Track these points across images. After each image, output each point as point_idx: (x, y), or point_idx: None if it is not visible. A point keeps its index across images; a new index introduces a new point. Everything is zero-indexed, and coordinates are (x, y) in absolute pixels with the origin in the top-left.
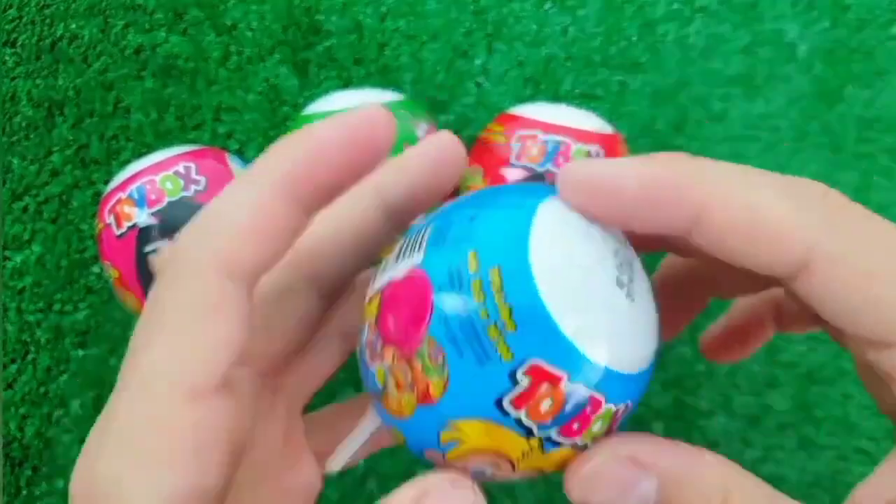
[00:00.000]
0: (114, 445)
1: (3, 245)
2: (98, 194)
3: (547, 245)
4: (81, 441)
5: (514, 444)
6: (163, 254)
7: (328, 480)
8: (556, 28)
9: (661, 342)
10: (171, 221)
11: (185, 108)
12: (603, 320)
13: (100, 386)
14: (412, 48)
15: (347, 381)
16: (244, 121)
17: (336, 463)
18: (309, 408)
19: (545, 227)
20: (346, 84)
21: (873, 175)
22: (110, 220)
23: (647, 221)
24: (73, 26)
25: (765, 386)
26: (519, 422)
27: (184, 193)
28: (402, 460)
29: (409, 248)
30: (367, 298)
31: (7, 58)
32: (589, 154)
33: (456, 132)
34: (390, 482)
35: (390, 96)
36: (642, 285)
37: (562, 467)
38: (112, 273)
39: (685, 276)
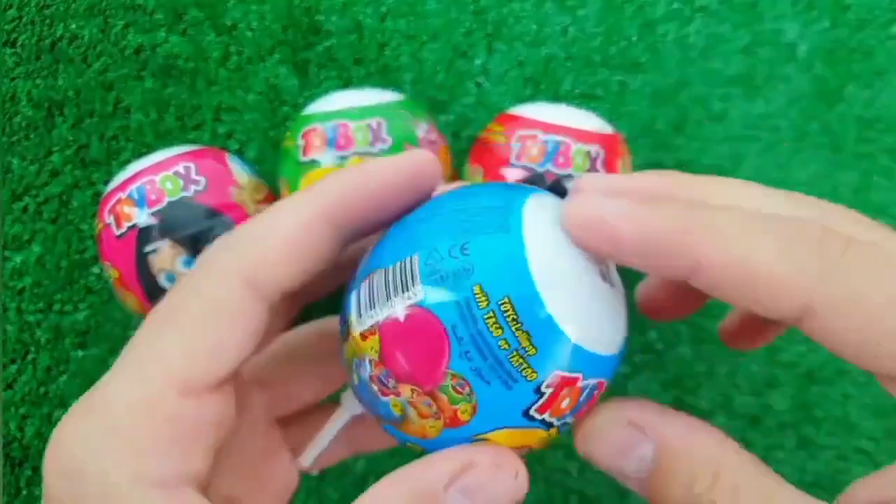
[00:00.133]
0: (99, 428)
1: (3, 245)
2: (98, 194)
3: (546, 265)
4: None
5: (536, 436)
6: (171, 255)
7: (328, 481)
8: (556, 28)
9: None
10: (171, 221)
11: (185, 108)
12: (601, 318)
13: None
14: (412, 48)
15: None
16: (244, 121)
17: (306, 459)
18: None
19: (538, 247)
20: (346, 84)
21: (873, 175)
22: (110, 220)
23: (645, 266)
24: (73, 26)
25: (765, 386)
26: (542, 421)
27: (184, 193)
28: (402, 461)
29: (397, 283)
30: (357, 333)
31: (7, 58)
32: (589, 154)
33: (456, 132)
34: None
35: (390, 96)
36: (612, 266)
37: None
38: (112, 273)
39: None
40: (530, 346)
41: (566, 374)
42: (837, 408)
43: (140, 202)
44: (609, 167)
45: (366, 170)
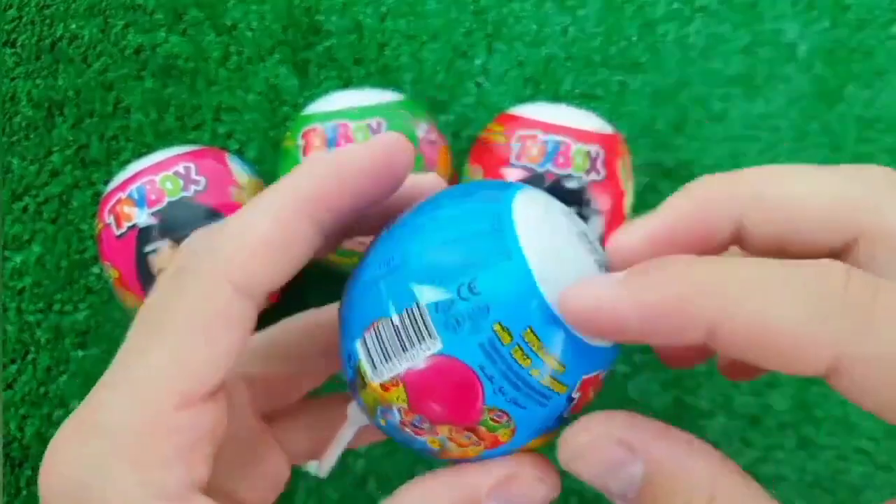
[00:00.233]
0: (101, 449)
1: (3, 245)
2: (98, 194)
3: (557, 285)
4: None
5: (560, 432)
6: (171, 255)
7: (328, 481)
8: (556, 28)
9: None
10: (171, 221)
11: (185, 108)
12: None
13: None
14: (412, 48)
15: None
16: (244, 121)
17: (323, 471)
18: None
19: (545, 267)
20: (346, 84)
21: None
22: (110, 220)
23: (660, 343)
24: (73, 26)
25: (765, 386)
26: (571, 419)
27: (184, 193)
28: (402, 461)
29: (410, 335)
30: (375, 384)
31: (7, 58)
32: (589, 154)
33: (456, 132)
34: (390, 482)
35: (390, 96)
36: (599, 248)
37: None
38: (112, 273)
39: None
40: (559, 366)
41: (591, 374)
42: (837, 408)
43: (140, 202)
44: (609, 167)
45: (337, 159)
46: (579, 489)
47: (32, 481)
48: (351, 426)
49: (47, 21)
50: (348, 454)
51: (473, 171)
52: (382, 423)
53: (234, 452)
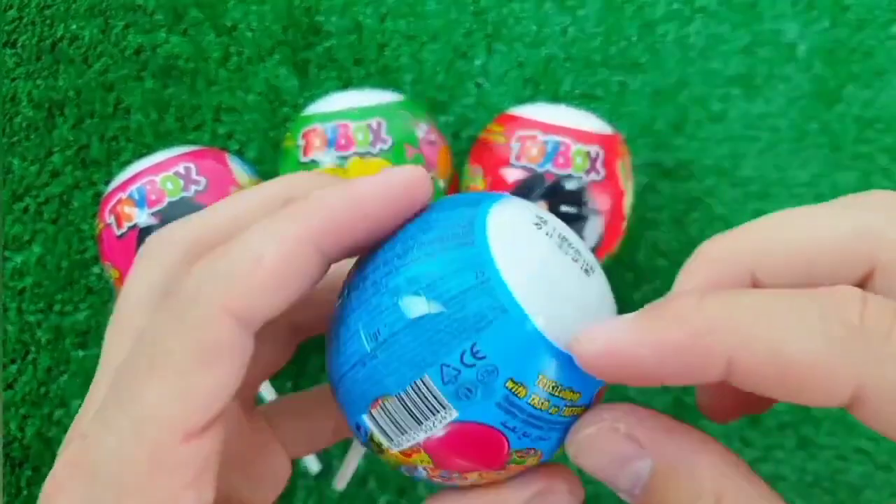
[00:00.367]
0: (106, 488)
1: (4, 245)
2: (98, 195)
3: (556, 320)
4: None
5: None
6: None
7: (328, 480)
8: (556, 28)
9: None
10: (172, 221)
11: (185, 108)
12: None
13: None
14: (412, 49)
15: None
16: (244, 121)
17: (342, 484)
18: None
19: (543, 311)
20: (346, 84)
21: (872, 175)
22: (111, 220)
23: (680, 381)
24: (74, 27)
25: None
26: None
27: (184, 194)
28: None
29: (422, 409)
30: (394, 451)
31: (7, 58)
32: (588, 154)
33: (456, 132)
34: (390, 482)
35: (390, 97)
36: (579, 248)
37: None
38: (112, 273)
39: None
40: (574, 394)
41: (603, 385)
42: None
43: (140, 202)
44: (609, 167)
45: (355, 191)
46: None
47: (32, 481)
48: (359, 447)
49: (48, 22)
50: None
51: (473, 171)
52: (407, 473)
53: (235, 455)
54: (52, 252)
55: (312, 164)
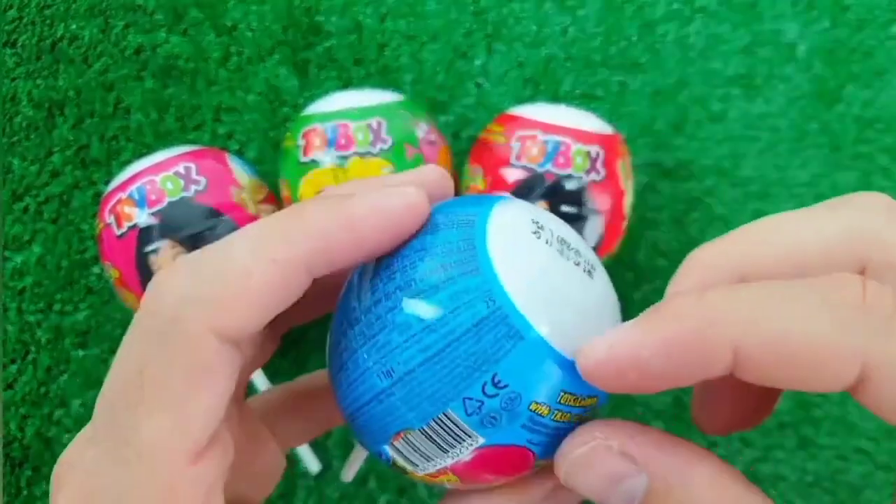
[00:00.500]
0: None
1: (4, 245)
2: (98, 195)
3: (571, 343)
4: None
5: None
6: (172, 255)
7: (328, 481)
8: (556, 28)
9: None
10: (172, 221)
11: (185, 108)
12: (608, 321)
13: (100, 386)
14: (412, 49)
15: None
16: (244, 121)
17: (349, 476)
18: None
19: (556, 326)
20: (346, 84)
21: (872, 175)
22: (111, 220)
23: (683, 382)
24: (74, 27)
25: None
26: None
27: (184, 194)
28: None
29: (447, 439)
30: (420, 474)
31: (7, 58)
32: (589, 154)
33: (456, 132)
34: (390, 482)
35: (390, 97)
36: (578, 247)
37: None
38: (112, 273)
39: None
40: (593, 399)
41: None
42: (837, 407)
43: (140, 202)
44: (609, 167)
45: (351, 215)
46: None
47: (32, 481)
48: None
49: (48, 21)
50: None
51: (473, 171)
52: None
53: (236, 454)
54: (52, 252)
55: (312, 164)
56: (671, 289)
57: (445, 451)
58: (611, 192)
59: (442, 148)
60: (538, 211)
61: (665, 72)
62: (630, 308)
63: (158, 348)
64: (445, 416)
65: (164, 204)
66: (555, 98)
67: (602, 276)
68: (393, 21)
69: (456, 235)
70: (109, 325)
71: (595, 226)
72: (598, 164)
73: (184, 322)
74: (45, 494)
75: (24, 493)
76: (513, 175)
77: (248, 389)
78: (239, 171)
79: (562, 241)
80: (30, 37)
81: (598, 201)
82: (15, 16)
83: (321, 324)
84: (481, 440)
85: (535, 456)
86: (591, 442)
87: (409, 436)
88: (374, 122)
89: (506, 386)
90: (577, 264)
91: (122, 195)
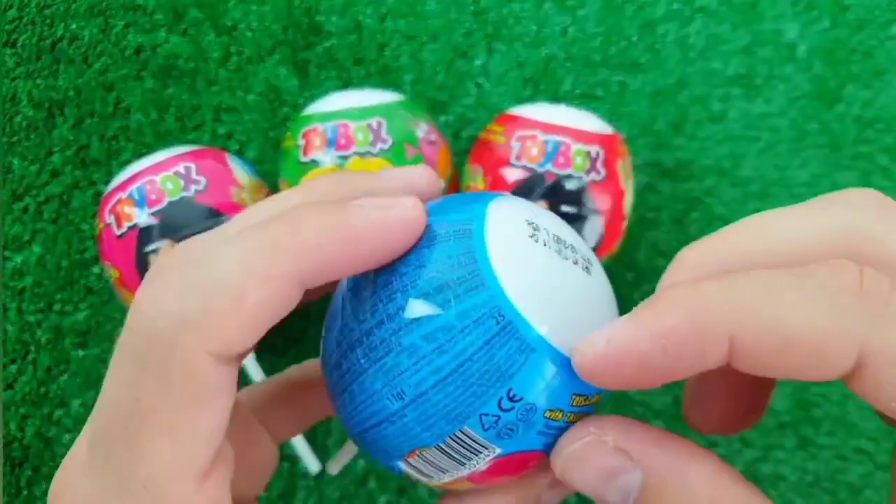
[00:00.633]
0: None
1: (4, 245)
2: (98, 194)
3: (575, 335)
4: None
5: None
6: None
7: (328, 480)
8: (556, 28)
9: None
10: (172, 221)
11: (185, 108)
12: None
13: (100, 386)
14: (412, 49)
15: None
16: (244, 121)
17: (335, 469)
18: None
19: (562, 333)
20: (346, 84)
21: (872, 175)
22: (111, 220)
23: (680, 375)
24: (74, 27)
25: None
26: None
27: (184, 193)
28: None
29: (464, 453)
30: (435, 484)
31: (7, 58)
32: (589, 154)
33: (456, 132)
34: (390, 482)
35: (390, 96)
36: (574, 244)
37: None
38: (112, 273)
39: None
40: (599, 396)
41: None
42: (837, 408)
43: (140, 202)
44: (609, 167)
45: (349, 230)
46: None
47: (32, 481)
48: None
49: (48, 21)
50: None
51: (473, 171)
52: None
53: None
54: (52, 252)
55: (312, 164)
56: (662, 284)
57: (462, 464)
58: (611, 192)
59: (442, 148)
60: (530, 208)
61: (665, 72)
62: (630, 308)
63: (154, 376)
64: (462, 432)
65: (164, 204)
66: (555, 98)
67: (598, 269)
68: (393, 21)
69: (455, 249)
70: (109, 325)
71: (595, 226)
72: (599, 164)
73: (178, 346)
74: (45, 494)
75: (24, 493)
76: (513, 175)
77: (241, 379)
78: (239, 171)
79: (558, 240)
80: (30, 37)
81: (599, 201)
82: (15, 16)
83: (321, 324)
84: (498, 451)
85: (548, 455)
86: (586, 437)
87: (424, 453)
88: (374, 122)
89: (521, 399)
90: (576, 262)
91: (122, 195)
